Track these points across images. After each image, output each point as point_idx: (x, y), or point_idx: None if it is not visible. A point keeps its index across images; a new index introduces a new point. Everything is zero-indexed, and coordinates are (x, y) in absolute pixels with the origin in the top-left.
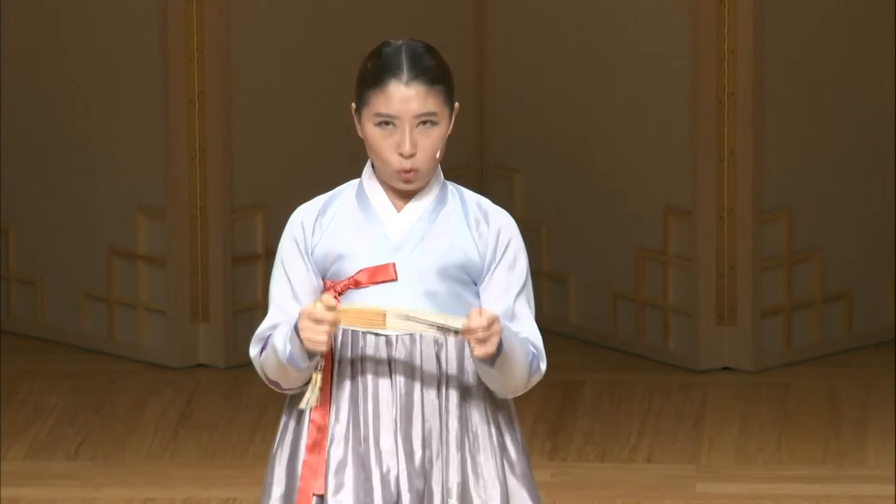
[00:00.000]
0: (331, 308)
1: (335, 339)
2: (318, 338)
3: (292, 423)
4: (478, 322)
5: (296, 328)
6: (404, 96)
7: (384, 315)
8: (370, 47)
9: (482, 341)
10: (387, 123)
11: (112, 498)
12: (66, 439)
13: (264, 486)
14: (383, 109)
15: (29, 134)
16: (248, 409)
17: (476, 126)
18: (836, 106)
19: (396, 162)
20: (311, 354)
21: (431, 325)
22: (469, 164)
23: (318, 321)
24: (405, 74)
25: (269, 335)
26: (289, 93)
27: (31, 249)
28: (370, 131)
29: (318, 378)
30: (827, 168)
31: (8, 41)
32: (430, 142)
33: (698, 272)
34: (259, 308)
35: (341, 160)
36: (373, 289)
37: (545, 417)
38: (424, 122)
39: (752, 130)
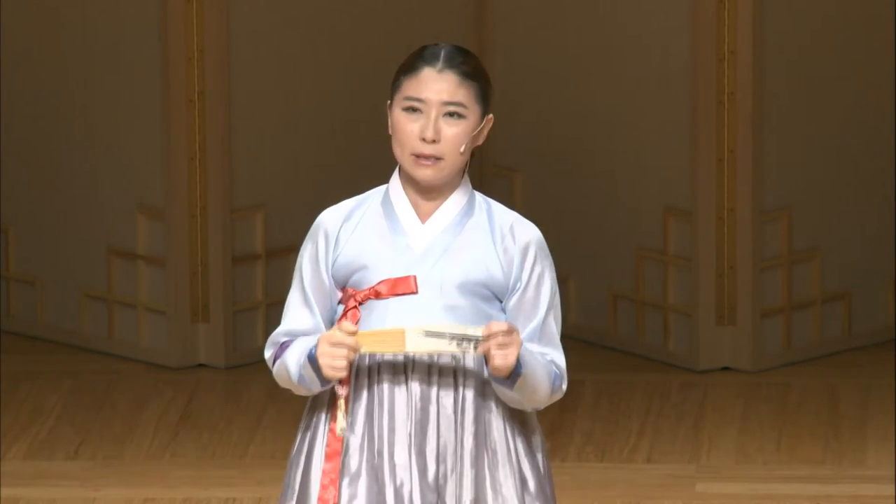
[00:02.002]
0: (350, 333)
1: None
2: (337, 363)
3: (311, 427)
4: (498, 327)
5: (309, 357)
6: (435, 82)
7: (403, 333)
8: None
9: (502, 347)
10: (414, 110)
11: (112, 498)
12: (66, 439)
13: (284, 487)
14: (412, 93)
15: (29, 134)
16: (247, 409)
17: None
18: (836, 106)
19: (416, 146)
20: (329, 380)
21: (452, 336)
22: (469, 164)
23: (336, 345)
24: (440, 63)
25: (283, 343)
26: (289, 93)
27: (31, 249)
28: (397, 116)
29: (343, 405)
30: (827, 168)
31: (8, 41)
32: (455, 133)
33: (698, 272)
34: (259, 308)
35: (341, 160)
36: (393, 300)
37: (545, 417)
38: (452, 114)
39: (751, 130)
